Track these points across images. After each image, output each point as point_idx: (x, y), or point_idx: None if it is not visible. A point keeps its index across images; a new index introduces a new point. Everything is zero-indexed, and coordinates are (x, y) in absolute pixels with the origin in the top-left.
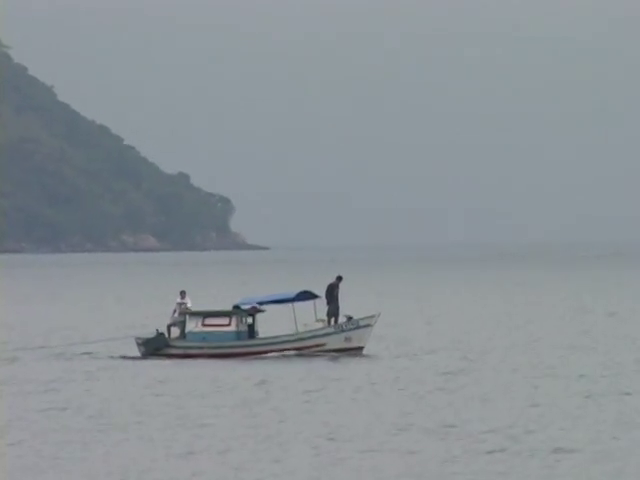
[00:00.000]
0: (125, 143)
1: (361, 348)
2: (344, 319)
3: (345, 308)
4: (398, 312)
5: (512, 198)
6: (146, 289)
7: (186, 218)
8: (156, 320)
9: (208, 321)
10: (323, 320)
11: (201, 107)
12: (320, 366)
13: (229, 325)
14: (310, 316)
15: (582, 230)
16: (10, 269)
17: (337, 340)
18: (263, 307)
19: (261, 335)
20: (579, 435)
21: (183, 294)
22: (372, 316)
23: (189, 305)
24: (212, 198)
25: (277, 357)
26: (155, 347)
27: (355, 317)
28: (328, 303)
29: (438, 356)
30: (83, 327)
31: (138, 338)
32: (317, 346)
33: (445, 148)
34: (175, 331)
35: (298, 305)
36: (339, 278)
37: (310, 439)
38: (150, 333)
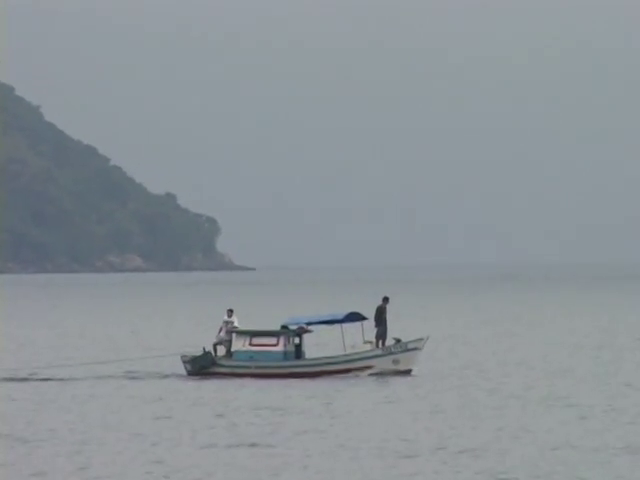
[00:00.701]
0: (112, 163)
1: (409, 371)
2: (392, 341)
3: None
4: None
5: (513, 216)
6: (165, 309)
7: (173, 238)
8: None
9: (255, 340)
10: (371, 342)
11: (188, 128)
12: (377, 387)
13: (277, 345)
14: (358, 338)
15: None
16: (10, 289)
17: (385, 362)
18: (310, 327)
19: (307, 356)
20: None
21: (230, 312)
22: (421, 339)
23: (236, 324)
24: (199, 219)
25: (327, 378)
26: (202, 365)
27: (403, 340)
28: (377, 325)
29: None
30: (119, 346)
31: (184, 356)
32: (365, 368)
33: (440, 165)
34: (221, 349)
35: (345, 326)
36: (386, 300)
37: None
38: (197, 352)
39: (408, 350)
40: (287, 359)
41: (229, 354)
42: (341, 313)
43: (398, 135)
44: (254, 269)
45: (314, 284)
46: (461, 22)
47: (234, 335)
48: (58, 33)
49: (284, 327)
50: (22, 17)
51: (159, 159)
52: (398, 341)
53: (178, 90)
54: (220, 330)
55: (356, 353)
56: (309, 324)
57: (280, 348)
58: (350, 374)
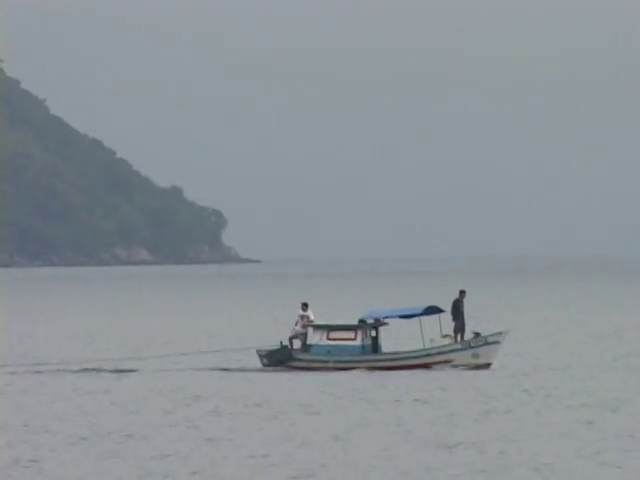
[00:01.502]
0: (118, 156)
1: (489, 365)
2: (471, 335)
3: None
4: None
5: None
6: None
7: (179, 231)
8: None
9: (333, 334)
10: (449, 336)
11: (194, 120)
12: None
13: (354, 339)
14: (435, 331)
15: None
16: (32, 283)
17: (465, 356)
18: (387, 320)
19: (384, 349)
20: None
21: (305, 306)
22: (500, 333)
23: (312, 317)
24: (205, 212)
25: (408, 372)
26: (278, 359)
27: (483, 334)
28: (454, 319)
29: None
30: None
31: (260, 350)
32: (444, 362)
33: (433, 164)
34: (297, 343)
35: (419, 320)
36: (462, 293)
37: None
38: (273, 345)
39: (488, 344)
40: (365, 353)
41: (305, 348)
42: (420, 307)
43: (398, 134)
44: (260, 262)
45: (319, 277)
46: (462, 20)
47: (310, 329)
48: (64, 26)
49: (362, 321)
50: (27, 11)
51: (165, 152)
52: (477, 335)
53: (183, 84)
54: (296, 324)
55: (435, 347)
56: (387, 318)
57: (358, 342)
58: (429, 368)
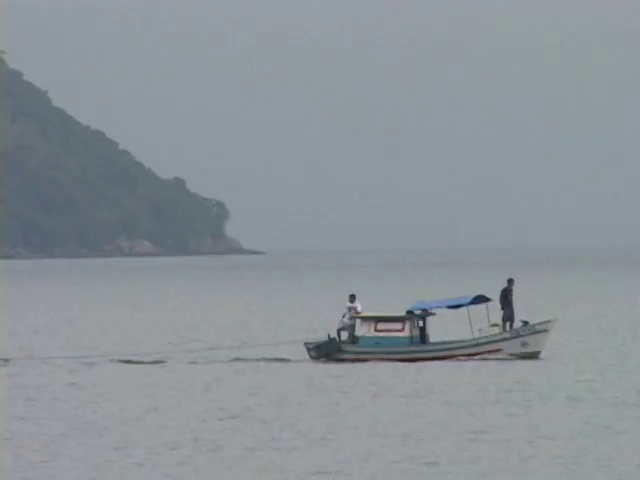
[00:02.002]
0: (120, 148)
1: (538, 353)
2: (520, 324)
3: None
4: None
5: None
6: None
7: (182, 223)
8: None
9: (381, 326)
10: (498, 325)
11: (197, 112)
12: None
13: (402, 330)
14: (482, 320)
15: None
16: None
17: (514, 345)
18: (434, 311)
19: (431, 339)
20: None
21: (352, 298)
22: (549, 321)
23: (359, 309)
24: (208, 203)
25: (455, 361)
26: (326, 352)
27: (531, 322)
28: (502, 308)
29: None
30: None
31: (308, 343)
32: (493, 351)
33: (440, 162)
34: (344, 335)
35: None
36: (510, 281)
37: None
38: (321, 338)
39: (536, 332)
40: (413, 344)
41: (352, 340)
42: (468, 297)
43: (402, 127)
44: (263, 253)
45: (323, 268)
46: (462, 16)
47: (358, 320)
48: (66, 18)
49: (409, 312)
50: (30, 2)
51: (168, 144)
52: (526, 323)
53: (186, 75)
54: (343, 316)
55: (484, 337)
56: (435, 308)
57: (406, 333)
58: (478, 357)
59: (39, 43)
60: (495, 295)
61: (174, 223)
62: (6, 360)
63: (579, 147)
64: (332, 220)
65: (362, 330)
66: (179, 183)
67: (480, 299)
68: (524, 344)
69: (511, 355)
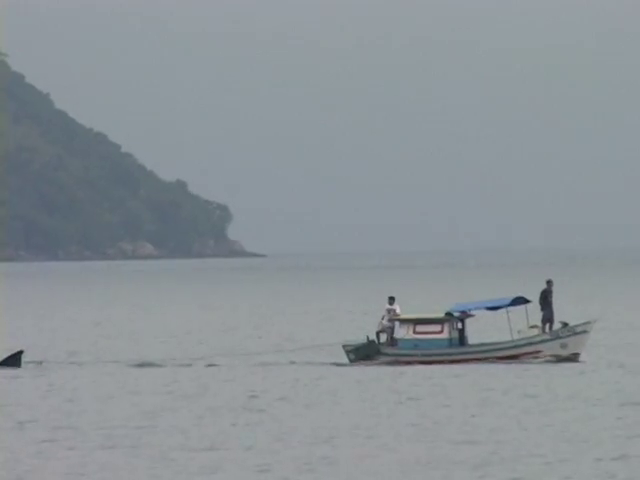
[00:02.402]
0: (123, 150)
1: (577, 355)
2: (559, 325)
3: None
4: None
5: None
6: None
7: (184, 225)
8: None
9: (420, 328)
10: (537, 326)
11: (199, 114)
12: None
13: (441, 332)
14: (521, 322)
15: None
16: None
17: (553, 347)
18: (472, 312)
19: (470, 341)
20: None
21: (391, 300)
22: (588, 322)
23: (398, 311)
24: (210, 206)
25: (494, 364)
26: (365, 354)
27: (571, 323)
28: (542, 309)
29: None
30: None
31: (347, 345)
32: (533, 353)
33: (441, 160)
34: (383, 337)
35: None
36: (549, 282)
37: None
38: (360, 340)
39: (576, 334)
40: (452, 346)
41: (391, 342)
42: (507, 298)
43: (402, 127)
44: (265, 256)
45: (325, 270)
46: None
47: (397, 323)
48: (68, 20)
49: (448, 314)
50: (32, 5)
51: (170, 146)
52: (565, 325)
53: (188, 77)
54: (382, 318)
55: (524, 338)
56: (474, 310)
57: (445, 335)
58: (518, 359)
59: (41, 45)
60: (534, 296)
61: (176, 225)
62: (40, 362)
63: (579, 147)
64: (334, 222)
65: (401, 332)
66: (181, 185)
67: (519, 300)
68: (563, 346)
69: (550, 357)
